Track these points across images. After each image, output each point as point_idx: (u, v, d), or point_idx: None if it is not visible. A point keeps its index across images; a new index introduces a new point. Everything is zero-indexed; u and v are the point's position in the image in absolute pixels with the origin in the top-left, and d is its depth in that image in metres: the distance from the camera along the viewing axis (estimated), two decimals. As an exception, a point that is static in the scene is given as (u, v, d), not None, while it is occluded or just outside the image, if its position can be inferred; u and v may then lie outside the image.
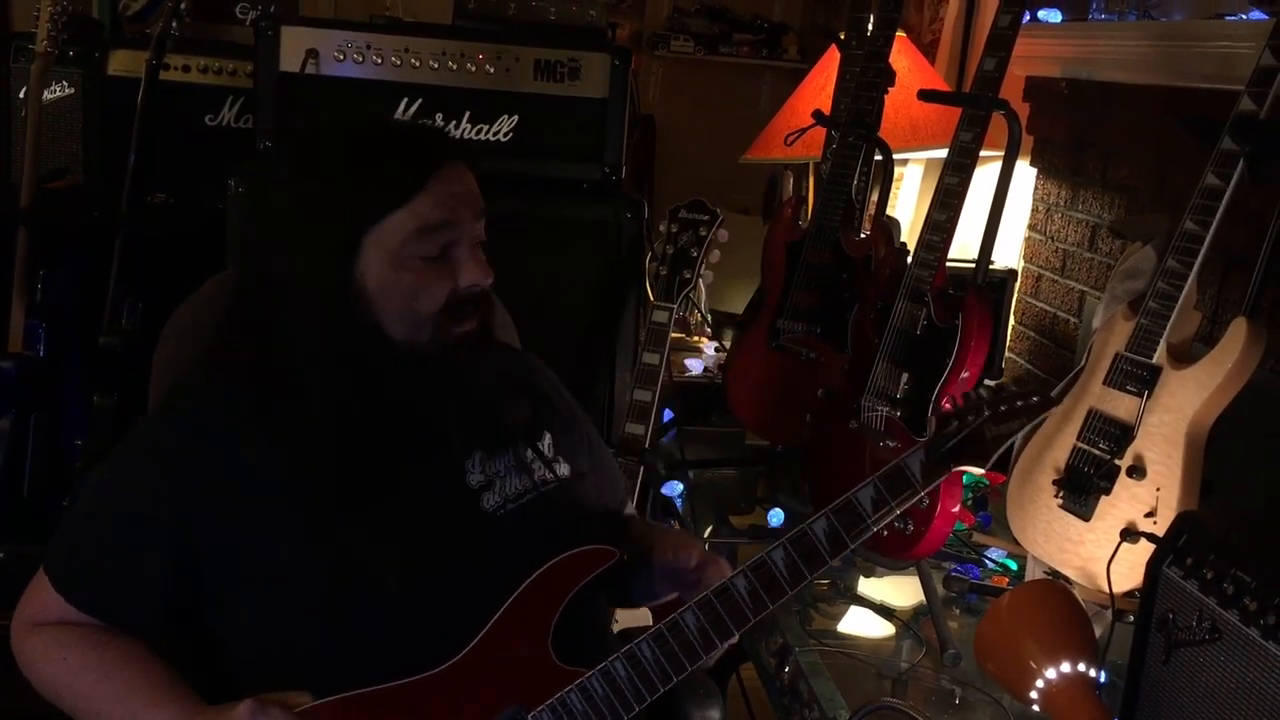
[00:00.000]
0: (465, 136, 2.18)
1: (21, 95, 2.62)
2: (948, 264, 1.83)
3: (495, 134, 2.18)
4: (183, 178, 2.46)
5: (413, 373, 1.31)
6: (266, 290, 1.31)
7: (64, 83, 2.61)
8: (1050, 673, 1.40)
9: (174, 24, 2.35)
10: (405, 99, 2.15)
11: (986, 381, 1.80)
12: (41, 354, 2.22)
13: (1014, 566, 2.00)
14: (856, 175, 2.26)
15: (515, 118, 2.17)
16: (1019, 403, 1.34)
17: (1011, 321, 2.72)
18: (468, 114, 2.15)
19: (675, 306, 2.09)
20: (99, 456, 2.16)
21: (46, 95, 2.51)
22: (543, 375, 1.57)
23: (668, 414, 2.45)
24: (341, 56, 2.11)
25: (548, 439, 1.45)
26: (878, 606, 1.92)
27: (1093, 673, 1.41)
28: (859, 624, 1.88)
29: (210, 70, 2.58)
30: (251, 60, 2.19)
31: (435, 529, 1.32)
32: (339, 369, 1.28)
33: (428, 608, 1.27)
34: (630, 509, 1.67)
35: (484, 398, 1.39)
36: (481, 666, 1.24)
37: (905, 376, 1.82)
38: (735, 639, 1.28)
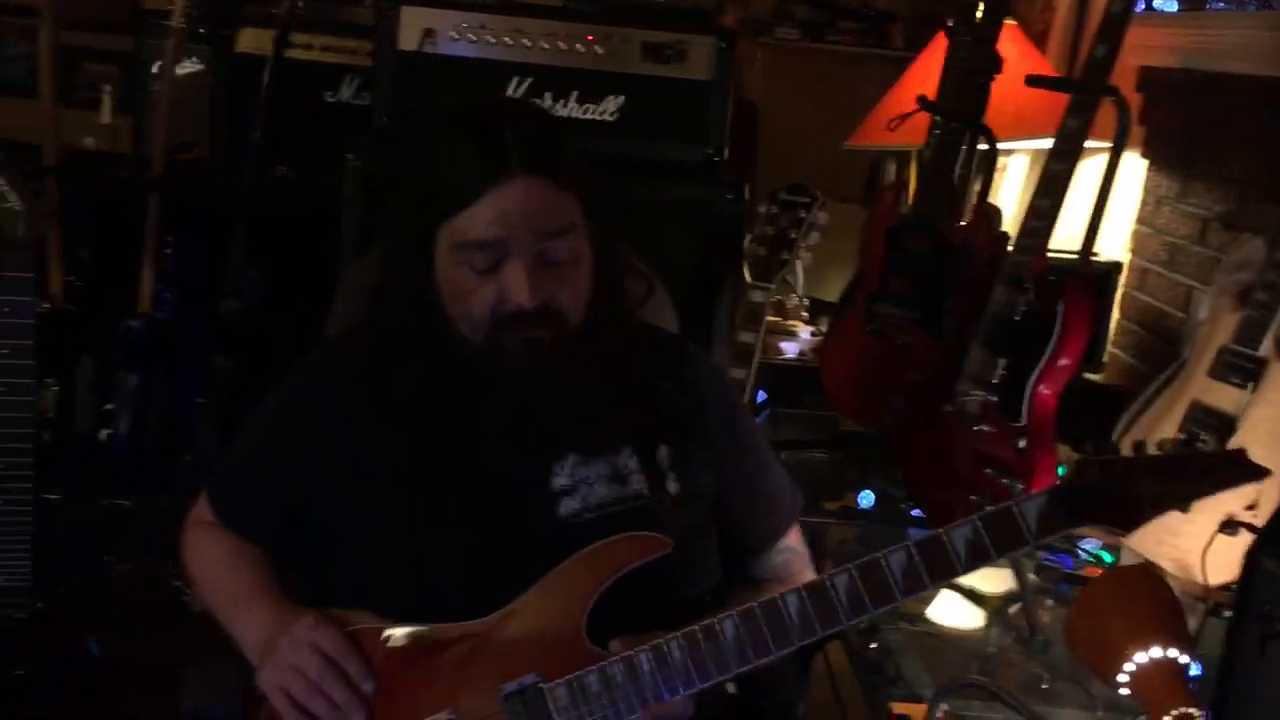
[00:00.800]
0: (573, 116, 2.22)
1: (155, 70, 2.76)
2: (1050, 255, 1.83)
3: (602, 114, 2.22)
4: (303, 153, 2.55)
5: (490, 370, 1.30)
6: (382, 264, 1.38)
7: (194, 59, 2.73)
8: (1140, 657, 1.39)
9: (299, 3, 2.45)
10: (516, 78, 2.20)
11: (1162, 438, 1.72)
12: (168, 317, 2.34)
13: (1108, 558, 1.99)
14: (959, 162, 2.26)
15: (621, 98, 2.21)
16: (1203, 466, 1.15)
17: (1115, 315, 2.69)
18: (575, 94, 2.20)
19: (772, 287, 2.11)
20: (217, 415, 2.28)
21: (178, 70, 2.63)
22: (695, 382, 1.44)
23: (761, 395, 2.47)
24: (457, 36, 2.18)
25: (664, 451, 1.37)
26: (968, 592, 1.93)
27: (1184, 659, 1.40)
28: (948, 610, 1.89)
29: (331, 49, 2.67)
30: (371, 39, 2.26)
31: (502, 527, 1.31)
32: (419, 355, 1.33)
33: (477, 602, 1.27)
34: (778, 558, 1.47)
35: (586, 400, 1.33)
36: (514, 630, 1.24)
37: (1002, 362, 1.82)
38: (774, 660, 1.19)
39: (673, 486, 1.35)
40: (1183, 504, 1.15)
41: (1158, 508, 1.15)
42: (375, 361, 1.37)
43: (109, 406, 2.30)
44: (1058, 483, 1.19)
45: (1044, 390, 1.78)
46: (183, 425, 2.36)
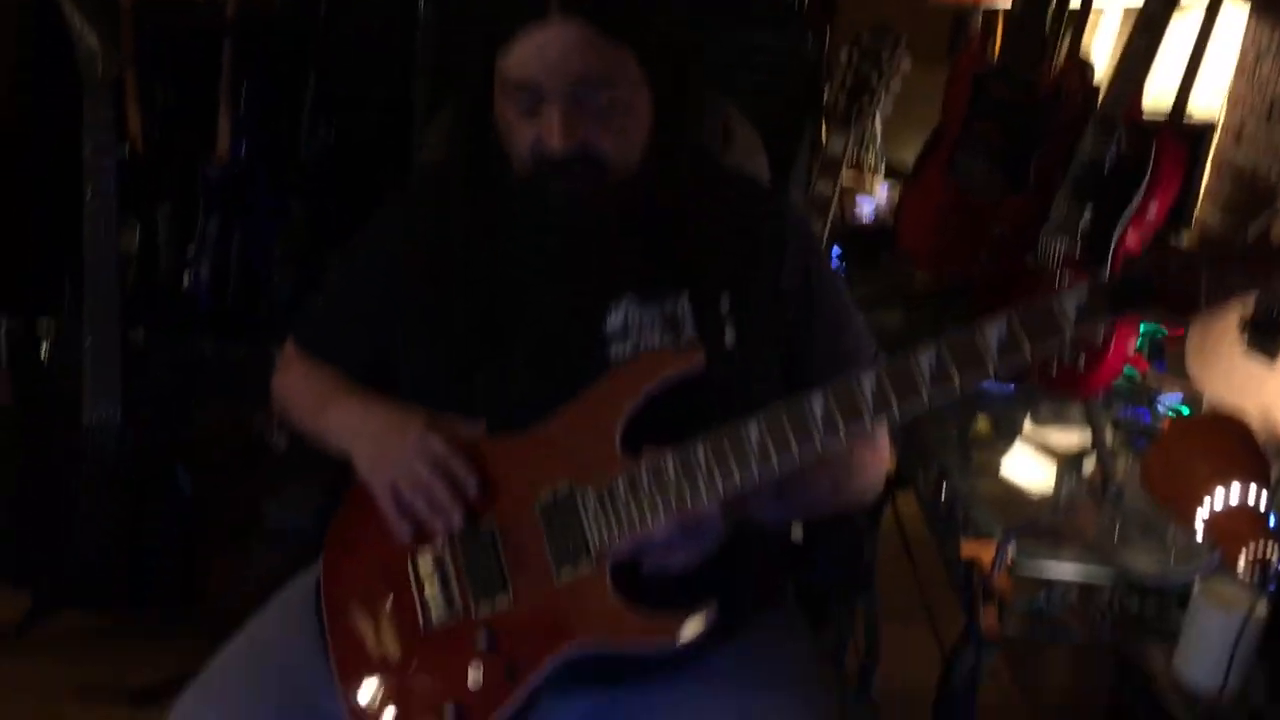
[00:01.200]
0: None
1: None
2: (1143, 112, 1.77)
3: (680, -45, 2.16)
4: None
5: (547, 211, 1.29)
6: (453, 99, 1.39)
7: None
8: (1219, 497, 1.37)
9: None
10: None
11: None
12: (244, 162, 2.35)
13: (1187, 412, 1.96)
14: (1050, 12, 2.17)
15: (700, -60, 2.15)
16: (1266, 255, 1.06)
17: (1206, 175, 2.60)
18: (653, -67, 2.13)
19: (851, 136, 2.07)
20: (296, 259, 2.31)
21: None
22: (774, 231, 1.39)
23: (835, 253, 2.45)
24: None
25: (726, 301, 1.34)
26: (1041, 446, 1.91)
27: (1264, 504, 1.38)
28: (1020, 463, 1.88)
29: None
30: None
31: (551, 368, 1.32)
32: (479, 189, 1.34)
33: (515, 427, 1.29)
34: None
35: (644, 245, 1.32)
36: (551, 441, 1.26)
37: (1088, 211, 1.77)
38: (796, 463, 1.16)
39: (730, 337, 1.32)
40: (1244, 291, 1.06)
41: (1215, 297, 1.05)
42: (441, 196, 1.39)
43: (189, 253, 2.34)
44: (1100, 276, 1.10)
45: (1130, 239, 1.73)
46: (260, 273, 2.39)
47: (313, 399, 1.44)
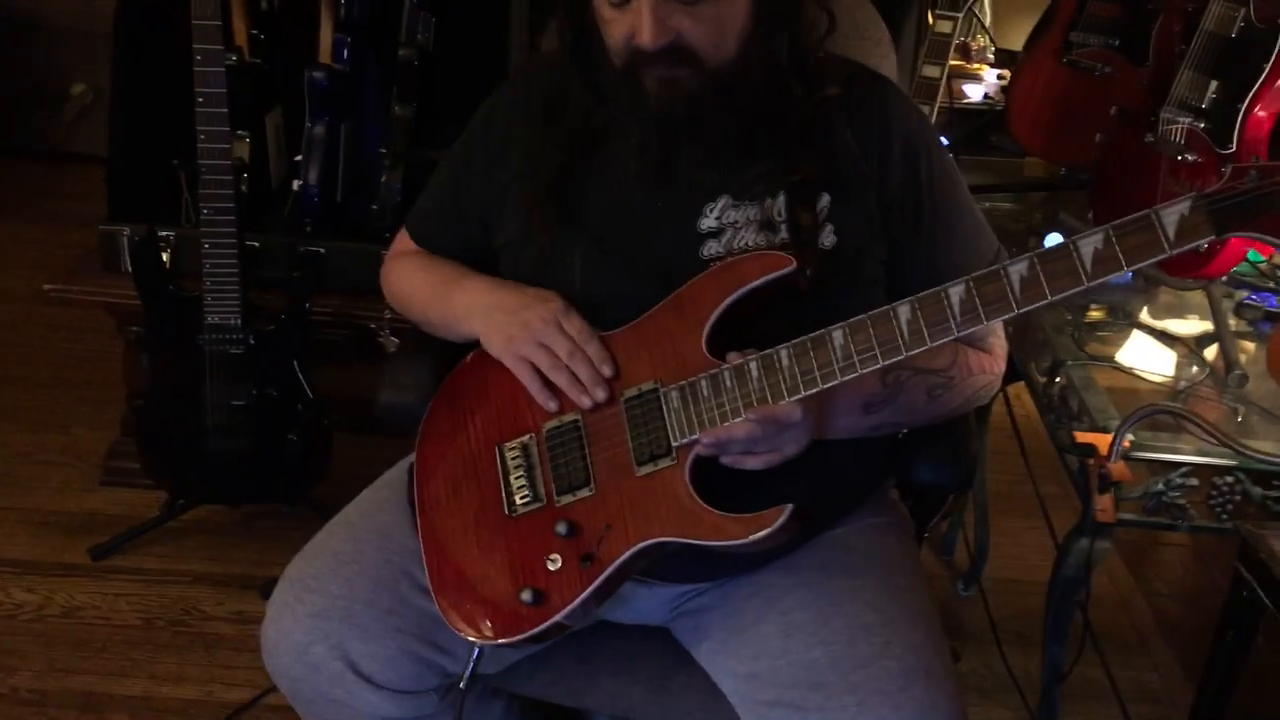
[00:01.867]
0: None
1: None
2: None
3: None
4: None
5: (645, 105, 1.27)
6: None
7: None
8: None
9: None
10: None
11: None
12: (347, 67, 2.37)
13: (1315, 296, 1.89)
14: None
15: None
16: None
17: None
18: None
19: (959, 16, 2.00)
20: (400, 161, 2.33)
21: None
22: (882, 125, 1.35)
23: (943, 140, 2.38)
24: None
25: (825, 200, 1.31)
26: (1160, 332, 1.86)
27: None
28: (1139, 351, 1.83)
29: None
30: None
31: (645, 261, 1.32)
32: (579, 81, 1.33)
33: (611, 326, 1.30)
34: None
35: (741, 142, 1.30)
36: (640, 339, 1.28)
37: (1213, 85, 1.69)
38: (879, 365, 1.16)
39: (829, 239, 1.30)
40: None
41: None
42: (539, 86, 1.39)
43: (298, 158, 2.38)
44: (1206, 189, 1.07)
45: (1259, 113, 1.65)
46: (369, 173, 2.42)
47: (435, 283, 1.47)
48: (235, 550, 2.37)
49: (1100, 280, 1.07)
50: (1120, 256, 1.07)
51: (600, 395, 1.26)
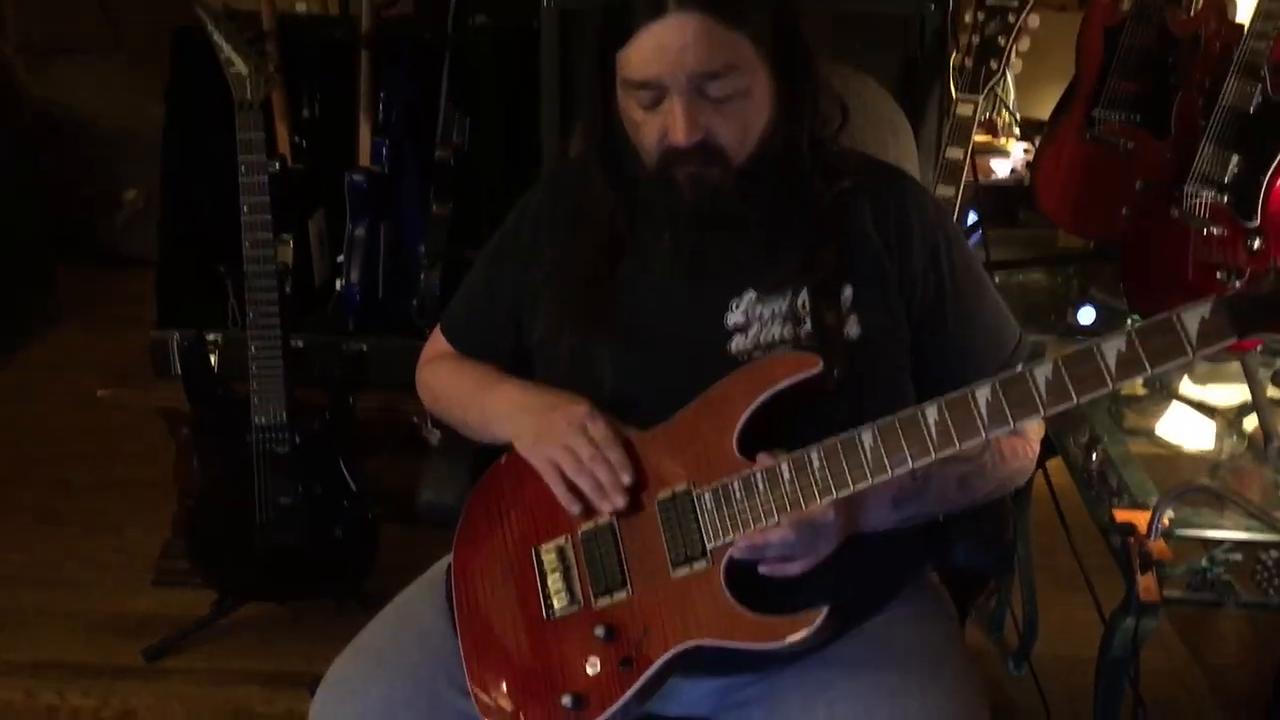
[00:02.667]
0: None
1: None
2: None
3: (795, -70, 2.15)
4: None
5: (672, 201, 1.30)
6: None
7: (393, -84, 2.79)
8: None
9: None
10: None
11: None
12: (385, 169, 2.45)
13: (1354, 364, 1.87)
14: (1187, -51, 2.09)
15: (815, -88, 2.13)
16: None
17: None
18: (767, -89, 2.13)
19: (981, 99, 2.03)
20: (439, 259, 2.39)
21: (377, -71, 2.69)
22: (901, 215, 1.36)
23: (972, 215, 2.40)
24: None
25: (849, 291, 1.32)
26: (1198, 405, 1.86)
27: None
28: (1177, 423, 1.83)
29: (520, -108, 2.67)
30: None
31: (672, 357, 1.33)
32: (606, 181, 1.36)
33: (638, 422, 1.32)
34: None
35: (767, 236, 1.32)
36: (672, 441, 1.29)
37: (1235, 159, 1.71)
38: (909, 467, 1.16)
39: (853, 329, 1.31)
40: None
41: None
42: (573, 190, 1.43)
43: (340, 258, 2.45)
44: (1226, 291, 1.08)
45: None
46: (408, 271, 2.49)
47: (469, 386, 1.49)
48: (285, 647, 2.39)
49: (1125, 382, 1.08)
50: (1144, 359, 1.08)
51: (619, 502, 1.27)
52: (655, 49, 1.22)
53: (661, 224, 1.34)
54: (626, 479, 1.28)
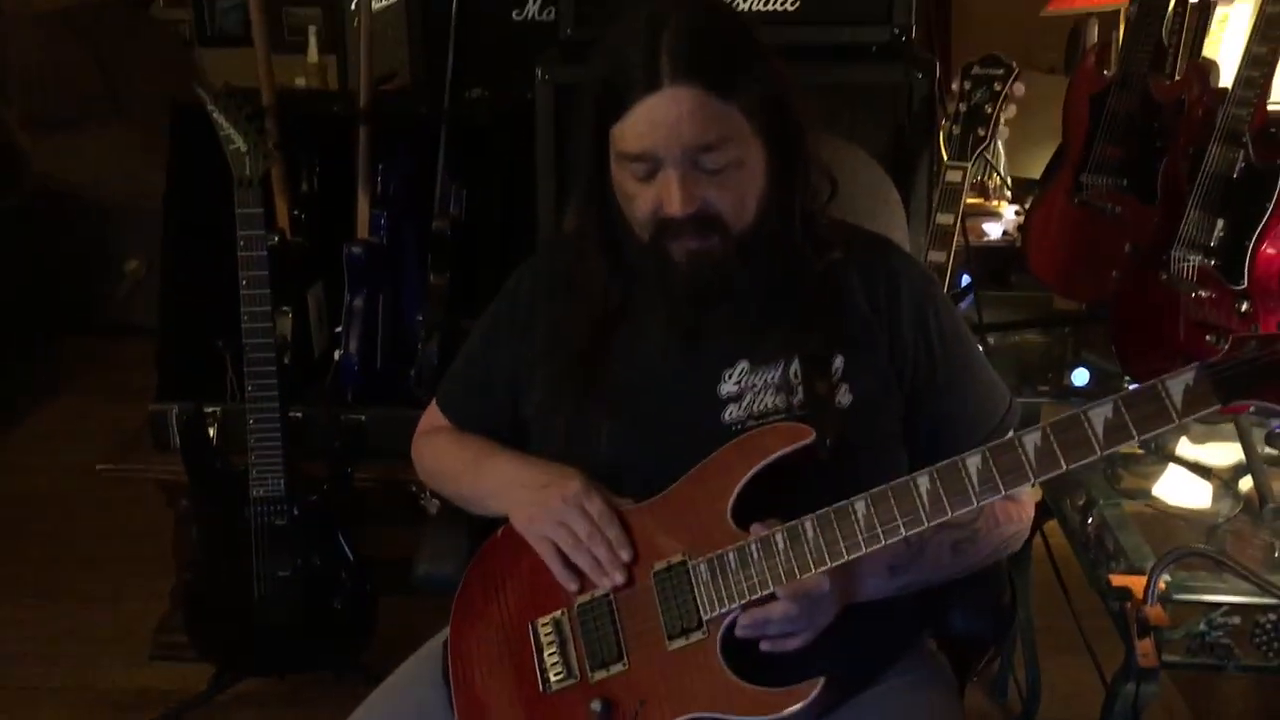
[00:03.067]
0: (753, 9, 2.20)
1: (353, 7, 2.89)
2: (1271, 107, 1.72)
3: (782, 4, 2.19)
4: (495, 72, 2.63)
5: (664, 273, 1.31)
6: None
7: (389, -8, 2.86)
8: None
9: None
10: (694, -24, 2.19)
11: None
12: (384, 240, 2.47)
13: (1347, 423, 1.88)
14: (1169, 15, 2.13)
15: (802, -15, 2.18)
16: None
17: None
18: (756, -16, 2.18)
19: (969, 165, 2.06)
20: (437, 329, 2.41)
21: (375, 5, 2.75)
22: (889, 285, 1.39)
23: (965, 278, 2.42)
24: (634, -61, 2.18)
25: (840, 361, 1.34)
26: (1194, 466, 1.86)
27: None
28: (1173, 485, 1.83)
29: (515, -33, 2.73)
30: (550, -48, 2.30)
31: (666, 427, 1.35)
32: (599, 253, 1.38)
33: (633, 493, 1.33)
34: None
35: (759, 307, 1.34)
36: (667, 512, 1.30)
37: (1220, 223, 1.73)
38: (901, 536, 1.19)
39: (845, 398, 1.33)
40: None
41: None
42: (567, 263, 1.44)
43: (338, 329, 2.47)
44: (1209, 359, 1.11)
45: (1267, 250, 1.68)
46: (406, 341, 2.50)
47: (465, 459, 1.49)
48: (284, 720, 2.38)
49: (1114, 449, 1.11)
50: (1131, 426, 1.11)
51: (618, 579, 1.28)
52: (650, 122, 1.24)
53: (655, 296, 1.35)
54: (625, 555, 1.29)
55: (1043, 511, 1.95)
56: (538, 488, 1.35)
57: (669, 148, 1.24)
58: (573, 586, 1.31)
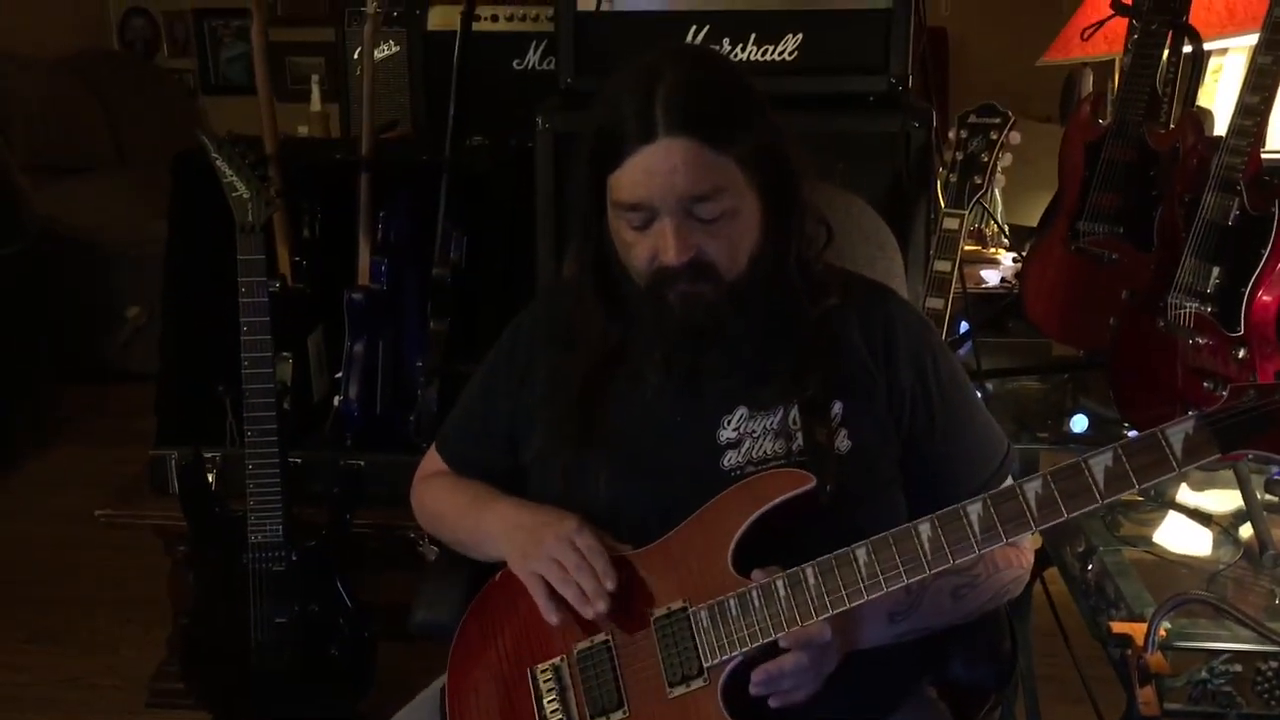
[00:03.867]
0: (751, 59, 2.22)
1: (356, 56, 2.92)
2: (1265, 156, 1.74)
3: (780, 54, 2.22)
4: (496, 120, 2.66)
5: (661, 320, 1.33)
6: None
7: (390, 41, 2.89)
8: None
9: (482, -24, 2.53)
10: (694, 26, 2.22)
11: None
12: (384, 286, 2.49)
13: (1346, 469, 1.88)
14: (1163, 66, 2.15)
15: (799, 36, 2.20)
16: None
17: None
18: (753, 36, 2.20)
19: (967, 213, 2.08)
20: (437, 375, 2.41)
21: (377, 54, 2.78)
22: (886, 331, 1.40)
23: (963, 325, 2.43)
24: (632, -9, 2.22)
25: (838, 407, 1.35)
26: (1194, 513, 1.86)
27: None
28: (1173, 532, 1.83)
29: (515, 17, 2.76)
30: (551, 3, 2.33)
31: (665, 474, 1.36)
32: (596, 302, 1.39)
33: (633, 539, 1.34)
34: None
35: (757, 354, 1.36)
36: (667, 559, 1.30)
37: (1216, 271, 1.74)
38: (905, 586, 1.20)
39: (844, 444, 1.34)
40: None
41: None
42: (565, 311, 1.45)
43: (338, 374, 2.47)
44: (1209, 408, 1.13)
45: (1263, 297, 1.69)
46: (407, 387, 2.51)
47: (464, 505, 1.50)
48: (281, 768, 2.35)
49: (1115, 497, 1.12)
50: (1131, 475, 1.12)
51: (601, 608, 1.27)
52: (645, 172, 1.26)
53: (653, 342, 1.36)
54: (610, 585, 1.28)
55: (1042, 559, 1.94)
56: (533, 529, 1.36)
57: (664, 198, 1.26)
58: (554, 619, 1.30)
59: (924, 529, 1.19)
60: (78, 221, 4.41)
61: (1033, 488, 1.16)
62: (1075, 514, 1.15)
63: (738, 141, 1.28)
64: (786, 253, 1.36)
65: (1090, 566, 1.72)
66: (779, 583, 1.23)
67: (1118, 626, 1.53)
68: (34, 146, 4.62)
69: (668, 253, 1.27)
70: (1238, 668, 1.51)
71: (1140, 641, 1.48)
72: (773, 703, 1.24)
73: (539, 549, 1.32)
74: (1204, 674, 1.52)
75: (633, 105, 1.26)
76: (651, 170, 1.25)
